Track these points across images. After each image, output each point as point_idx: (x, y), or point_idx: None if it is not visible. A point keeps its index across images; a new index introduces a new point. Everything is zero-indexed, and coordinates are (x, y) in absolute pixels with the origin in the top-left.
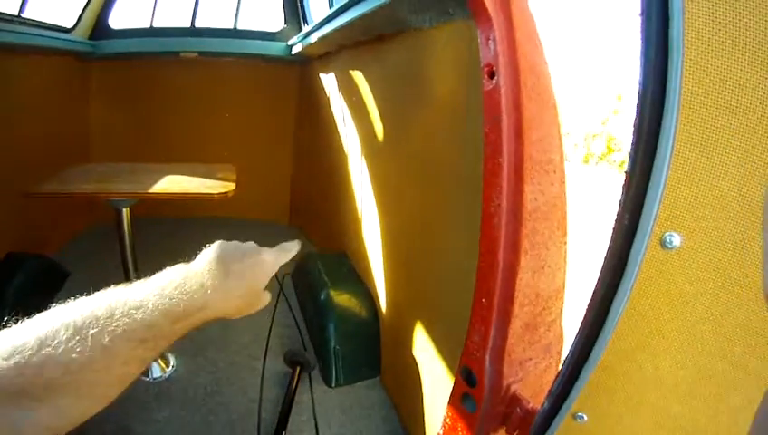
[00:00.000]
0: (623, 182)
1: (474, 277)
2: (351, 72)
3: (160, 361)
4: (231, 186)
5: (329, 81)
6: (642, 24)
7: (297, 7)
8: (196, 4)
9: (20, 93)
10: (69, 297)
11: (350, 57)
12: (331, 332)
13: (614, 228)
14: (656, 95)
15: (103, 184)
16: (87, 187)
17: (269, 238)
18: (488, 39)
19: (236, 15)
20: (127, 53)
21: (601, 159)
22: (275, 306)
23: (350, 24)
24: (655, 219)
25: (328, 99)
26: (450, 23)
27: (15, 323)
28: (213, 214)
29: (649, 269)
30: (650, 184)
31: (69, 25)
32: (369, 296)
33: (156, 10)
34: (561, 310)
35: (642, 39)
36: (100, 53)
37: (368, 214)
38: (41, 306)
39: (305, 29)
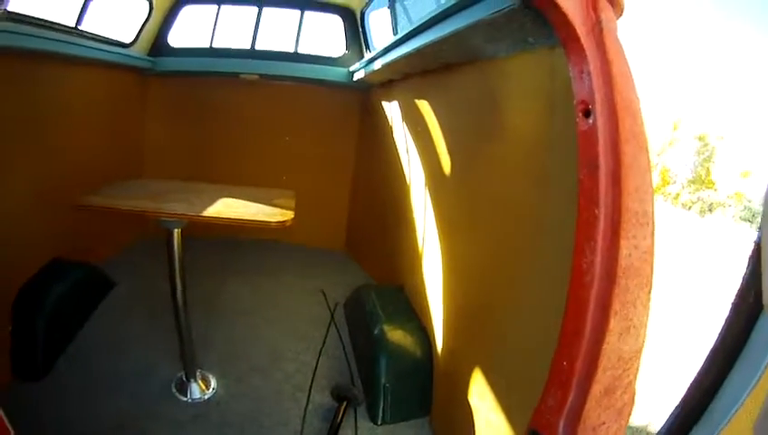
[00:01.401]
0: (750, 252)
1: (548, 336)
2: (416, 100)
3: (201, 382)
4: (289, 214)
5: (391, 109)
6: None
7: (359, 33)
8: (257, 26)
9: (79, 104)
10: (112, 306)
11: (414, 85)
12: (381, 367)
13: (734, 303)
14: None
15: (156, 203)
16: (139, 203)
17: (322, 266)
18: (582, 72)
19: (297, 39)
20: (186, 72)
21: (656, 191)
22: (325, 336)
23: (416, 51)
24: None
25: (390, 127)
26: (529, 52)
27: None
28: (266, 237)
29: None
30: None
31: (127, 41)
32: (424, 334)
33: (215, 31)
34: (638, 371)
35: None
36: (159, 69)
37: (429, 249)
38: (83, 313)
39: (367, 55)
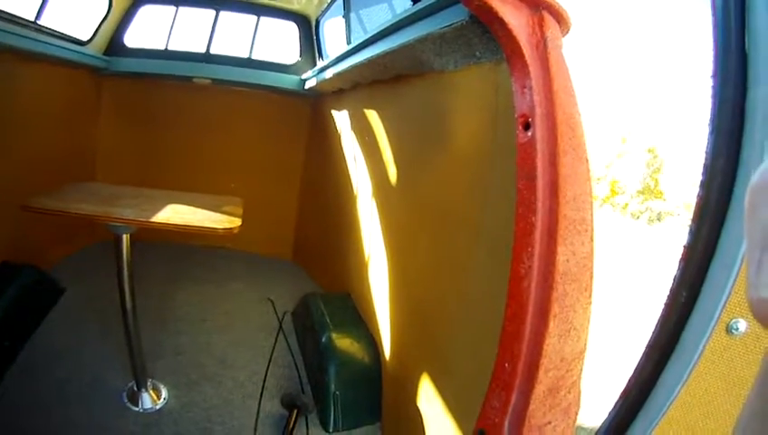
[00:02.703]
0: (681, 255)
1: (491, 338)
2: (365, 110)
3: (152, 391)
4: (237, 221)
5: (341, 117)
6: (714, 91)
7: (313, 41)
8: (213, 31)
9: (29, 101)
10: (62, 313)
11: (364, 95)
12: (331, 375)
13: (667, 303)
14: (728, 165)
15: (105, 207)
16: (88, 208)
17: (270, 274)
18: (524, 87)
19: (252, 45)
20: (140, 73)
21: (605, 201)
22: (274, 345)
23: (368, 62)
24: (724, 305)
25: (339, 136)
26: (476, 65)
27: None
28: (214, 244)
29: (712, 355)
30: (718, 265)
31: (84, 38)
32: (371, 341)
33: (171, 33)
34: (582, 371)
35: (713, 106)
36: (113, 69)
37: (375, 257)
38: (33, 319)
39: (320, 64)
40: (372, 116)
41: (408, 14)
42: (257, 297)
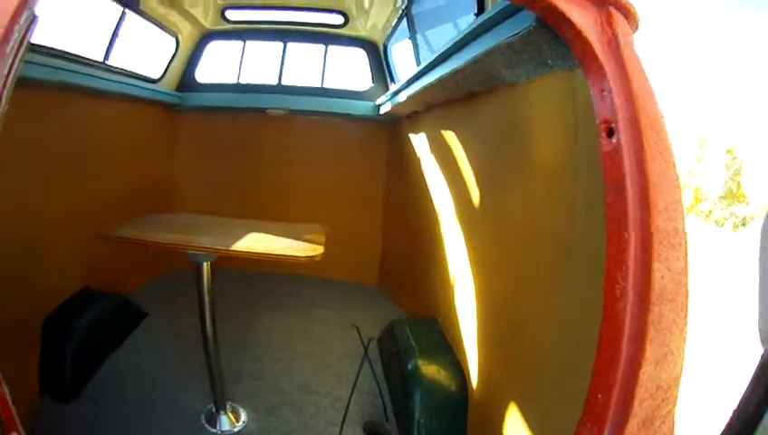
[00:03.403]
0: None
1: (580, 365)
2: (442, 131)
3: (231, 414)
4: (319, 249)
5: (418, 140)
6: None
7: (383, 66)
8: (283, 61)
9: (110, 137)
10: (143, 336)
11: (439, 116)
12: (416, 402)
13: None
14: None
15: (185, 235)
16: (168, 236)
17: (354, 300)
18: (602, 91)
19: (323, 74)
20: (214, 107)
21: (690, 210)
22: (358, 371)
23: (439, 81)
24: None
25: (418, 159)
26: (549, 75)
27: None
28: (295, 272)
29: None
30: None
31: (155, 76)
32: (458, 367)
33: (242, 66)
34: (677, 399)
35: None
36: (186, 104)
37: (461, 280)
38: (113, 340)
39: (392, 88)
40: (449, 136)
41: (472, 27)
42: (341, 324)
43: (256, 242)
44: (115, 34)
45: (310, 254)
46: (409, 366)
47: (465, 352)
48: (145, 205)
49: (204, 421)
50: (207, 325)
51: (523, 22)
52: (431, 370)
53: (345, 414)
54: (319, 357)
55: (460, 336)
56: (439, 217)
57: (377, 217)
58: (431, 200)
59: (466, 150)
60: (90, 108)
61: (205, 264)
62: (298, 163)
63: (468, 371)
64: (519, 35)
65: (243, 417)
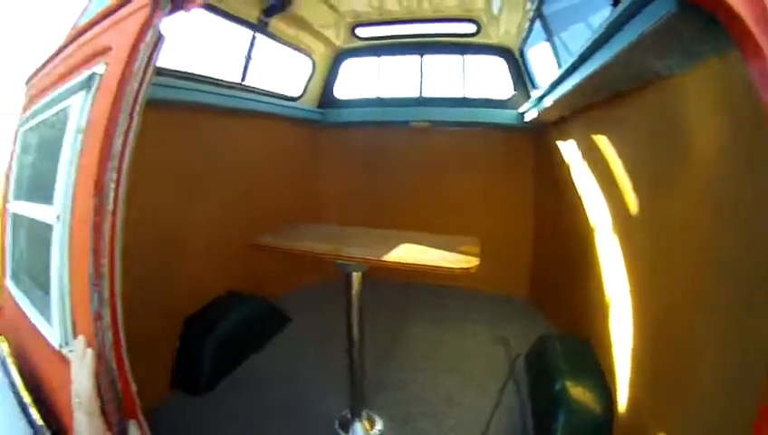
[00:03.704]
0: None
1: (742, 399)
2: (591, 135)
3: (366, 421)
4: (474, 261)
5: (567, 147)
6: None
7: (522, 72)
8: (422, 74)
9: (256, 153)
10: (285, 340)
11: (587, 119)
12: (559, 424)
13: None
14: None
15: (336, 245)
16: (318, 246)
17: (503, 313)
18: (764, 72)
19: (464, 84)
20: (357, 122)
21: None
22: (503, 387)
23: (584, 82)
24: None
25: (567, 167)
26: (702, 63)
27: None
28: (444, 283)
29: None
30: None
31: (295, 95)
32: (606, 393)
33: (381, 81)
34: None
35: None
36: (328, 121)
37: (616, 298)
38: (254, 342)
39: (534, 94)
40: (600, 141)
41: (611, 19)
42: (489, 337)
43: (409, 253)
44: (249, 57)
45: (465, 266)
46: (556, 386)
47: (615, 376)
48: (293, 217)
49: (337, 426)
50: (354, 332)
51: (664, 6)
52: (578, 392)
53: (486, 430)
54: (465, 370)
55: (612, 359)
56: (593, 228)
57: (527, 228)
58: (583, 210)
59: (619, 154)
60: (234, 124)
61: (355, 274)
62: (442, 174)
63: (616, 396)
64: (663, 21)
65: (378, 425)
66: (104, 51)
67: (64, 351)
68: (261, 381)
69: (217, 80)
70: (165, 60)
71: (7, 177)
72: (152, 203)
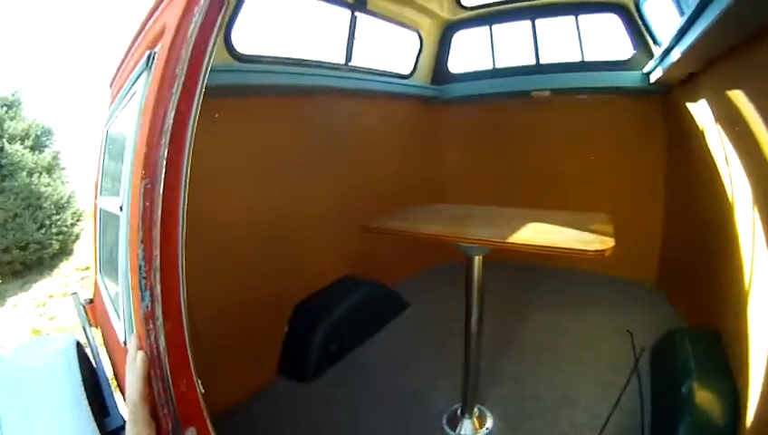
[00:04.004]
0: None
1: None
2: (727, 92)
3: (476, 419)
4: (609, 242)
5: (699, 110)
6: None
7: (641, 28)
8: (535, 39)
9: (368, 134)
10: (401, 326)
11: (722, 73)
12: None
13: None
14: None
15: (455, 227)
16: (436, 228)
17: (629, 301)
18: None
19: (581, 47)
20: (474, 96)
21: None
22: (624, 386)
23: (719, 18)
24: None
25: (701, 133)
26: None
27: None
28: (571, 266)
29: None
30: None
31: (405, 72)
32: (736, 399)
33: (494, 51)
34: None
35: None
36: (445, 96)
37: (760, 289)
38: (368, 328)
39: (657, 51)
40: (737, 98)
41: None
42: (614, 327)
43: (538, 233)
44: (351, 36)
45: (599, 247)
46: (683, 389)
47: (749, 379)
48: (414, 197)
49: (444, 422)
50: (472, 321)
51: None
52: (706, 397)
53: (600, 433)
54: (586, 364)
55: (746, 359)
56: (731, 205)
57: (656, 205)
58: (721, 183)
59: (763, 113)
60: (344, 107)
61: (476, 257)
62: (564, 146)
63: (747, 402)
64: None
65: (488, 423)
66: (162, 31)
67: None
68: (370, 368)
69: (322, 62)
70: (270, 47)
71: (97, 174)
72: (260, 193)
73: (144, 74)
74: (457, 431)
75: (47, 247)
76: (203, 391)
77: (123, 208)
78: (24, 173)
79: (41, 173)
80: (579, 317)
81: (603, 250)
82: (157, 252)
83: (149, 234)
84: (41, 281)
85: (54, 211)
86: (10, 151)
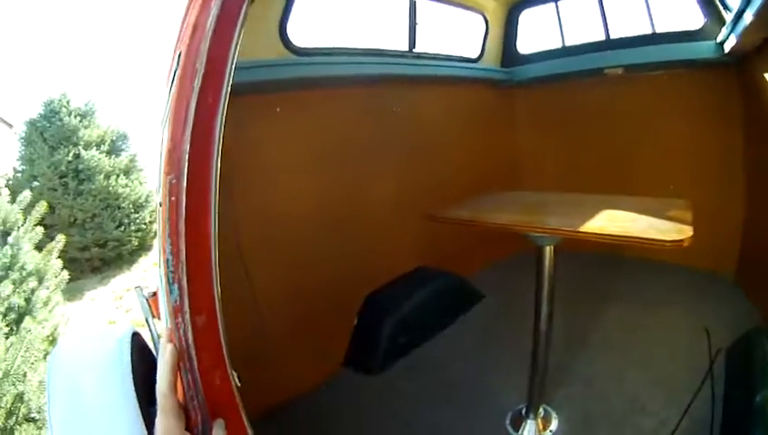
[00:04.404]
0: None
1: None
2: None
3: (540, 420)
4: (687, 231)
5: None
6: None
7: None
8: (603, 12)
9: (436, 120)
10: (473, 320)
11: None
12: None
13: None
14: None
15: (526, 216)
16: (504, 217)
17: (708, 296)
18: None
19: (650, 17)
20: (546, 76)
21: None
22: (696, 392)
23: None
24: None
25: None
26: None
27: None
28: (648, 256)
29: None
30: None
31: (473, 56)
32: None
33: (563, 28)
34: None
35: None
36: (516, 78)
37: None
38: (438, 321)
39: (728, 16)
40: None
41: None
42: (690, 324)
43: (611, 222)
44: (413, 22)
45: (676, 237)
46: (758, 398)
47: None
48: (487, 184)
49: (507, 422)
50: (542, 317)
51: None
52: None
53: None
54: (658, 365)
55: None
56: None
57: (737, 192)
58: None
59: None
60: (410, 94)
61: (547, 247)
62: (639, 126)
63: None
64: None
65: (552, 426)
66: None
67: None
68: (439, 362)
69: (384, 50)
70: (330, 39)
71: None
72: (326, 184)
73: (176, 74)
74: (520, 432)
75: (126, 244)
76: (239, 383)
77: (161, 205)
78: (102, 176)
79: (118, 175)
80: (653, 313)
81: (681, 240)
82: (183, 246)
83: (176, 227)
84: (119, 276)
85: (133, 210)
86: (86, 157)
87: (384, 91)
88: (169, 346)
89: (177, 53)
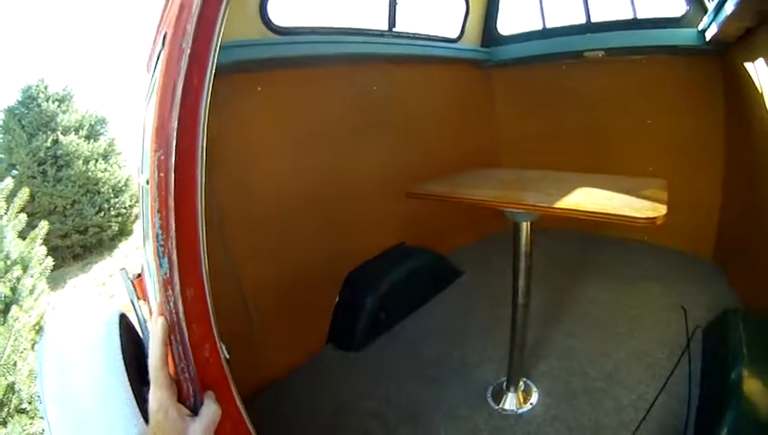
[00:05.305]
0: None
1: None
2: None
3: (520, 393)
4: (661, 209)
5: (759, 70)
6: None
7: None
8: None
9: (422, 99)
10: (452, 296)
11: None
12: (724, 427)
13: None
14: None
15: (502, 191)
16: (481, 192)
17: (686, 275)
18: None
19: (632, 2)
20: (526, 57)
21: None
22: (673, 369)
23: None
24: None
25: (762, 96)
26: None
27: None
28: (627, 235)
29: None
30: None
31: (453, 36)
32: None
33: (544, 10)
34: None
35: None
36: (496, 59)
37: None
38: (418, 297)
39: (711, 6)
40: None
41: None
42: (668, 303)
43: (588, 198)
44: (392, 1)
45: (650, 214)
46: (732, 375)
47: None
48: (467, 163)
49: (488, 395)
50: (519, 292)
51: None
52: (755, 386)
53: (642, 420)
54: (636, 341)
55: None
56: None
57: (715, 174)
58: None
59: None
60: (391, 74)
61: (524, 223)
62: (618, 109)
63: None
64: None
65: (532, 398)
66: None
67: None
68: (418, 337)
69: (364, 30)
70: (311, 19)
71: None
72: (308, 163)
73: (162, 54)
74: (501, 405)
75: (106, 230)
76: (228, 356)
77: (149, 183)
78: (80, 162)
79: (97, 160)
80: (632, 290)
81: (654, 218)
82: (172, 220)
83: (165, 202)
84: (101, 262)
85: (113, 195)
86: (65, 143)
87: (365, 70)
88: (160, 319)
89: (162, 33)
